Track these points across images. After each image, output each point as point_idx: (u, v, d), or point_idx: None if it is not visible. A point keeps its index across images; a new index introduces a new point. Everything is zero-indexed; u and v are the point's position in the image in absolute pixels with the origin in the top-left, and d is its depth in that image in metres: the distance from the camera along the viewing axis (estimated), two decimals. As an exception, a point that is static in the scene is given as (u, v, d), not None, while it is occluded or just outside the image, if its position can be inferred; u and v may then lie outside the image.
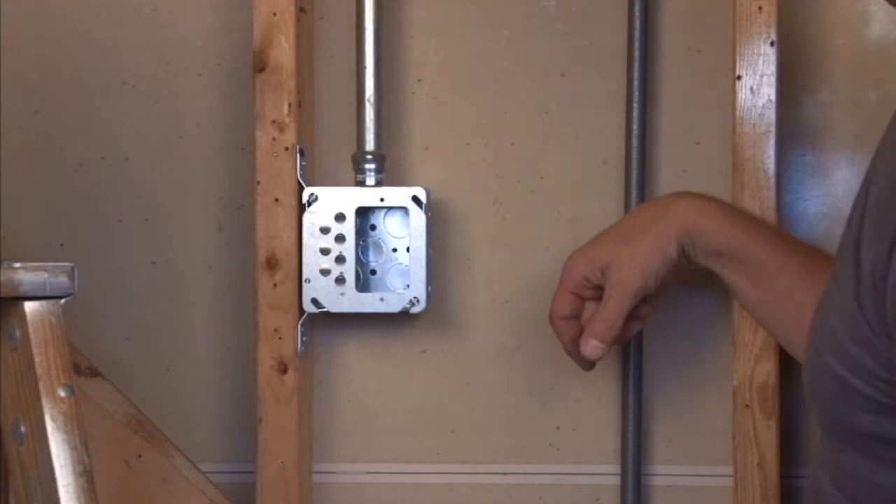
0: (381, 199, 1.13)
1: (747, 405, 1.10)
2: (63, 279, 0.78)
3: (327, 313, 1.14)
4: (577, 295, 1.06)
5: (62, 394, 0.77)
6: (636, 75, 1.15)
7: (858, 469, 0.75)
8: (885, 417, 0.72)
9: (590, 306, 1.06)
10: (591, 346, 1.05)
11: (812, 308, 0.93)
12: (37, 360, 0.77)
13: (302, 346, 1.13)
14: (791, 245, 1.03)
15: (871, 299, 0.70)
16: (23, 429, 0.77)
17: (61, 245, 1.20)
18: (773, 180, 1.09)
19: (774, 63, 1.09)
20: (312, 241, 1.13)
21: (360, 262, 1.15)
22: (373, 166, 1.14)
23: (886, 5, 0.83)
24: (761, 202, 1.09)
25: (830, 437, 0.77)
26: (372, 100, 1.14)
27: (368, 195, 1.13)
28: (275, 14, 1.11)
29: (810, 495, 0.82)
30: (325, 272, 1.13)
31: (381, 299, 1.13)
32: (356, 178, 1.15)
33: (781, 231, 1.07)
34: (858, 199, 0.74)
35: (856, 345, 0.72)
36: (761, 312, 1.04)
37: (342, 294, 1.13)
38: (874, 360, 0.71)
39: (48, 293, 0.78)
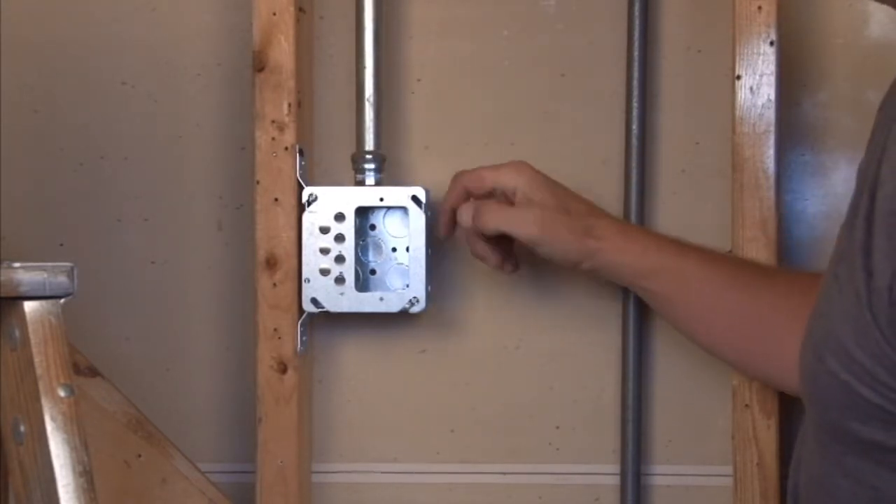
0: (381, 199, 1.13)
1: (747, 405, 1.10)
2: (62, 279, 0.78)
3: (327, 313, 1.14)
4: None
5: (62, 394, 0.77)
6: (636, 75, 1.15)
7: (860, 473, 0.75)
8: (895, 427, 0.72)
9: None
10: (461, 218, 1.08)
11: (747, 316, 1.01)
12: (36, 359, 0.77)
13: (301, 345, 1.13)
14: (714, 257, 1.06)
15: (887, 313, 0.69)
16: (22, 429, 0.77)
17: (61, 245, 1.20)
18: (772, 180, 1.09)
19: (774, 63, 1.09)
20: (312, 241, 1.13)
21: (360, 262, 1.15)
22: (372, 166, 1.14)
23: (886, 6, 0.83)
24: (761, 202, 1.09)
25: (830, 441, 0.77)
26: (371, 99, 1.14)
27: (368, 195, 1.13)
28: (274, 14, 1.11)
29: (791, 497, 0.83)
30: (324, 272, 1.13)
31: (381, 299, 1.13)
32: (356, 177, 1.15)
33: (700, 246, 1.08)
34: (858, 203, 0.74)
35: (867, 355, 0.71)
36: (685, 328, 1.07)
37: (342, 294, 1.13)
38: (887, 372, 0.70)
39: (48, 293, 0.78)
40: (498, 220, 1.05)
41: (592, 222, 1.06)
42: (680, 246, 1.06)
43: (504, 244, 1.10)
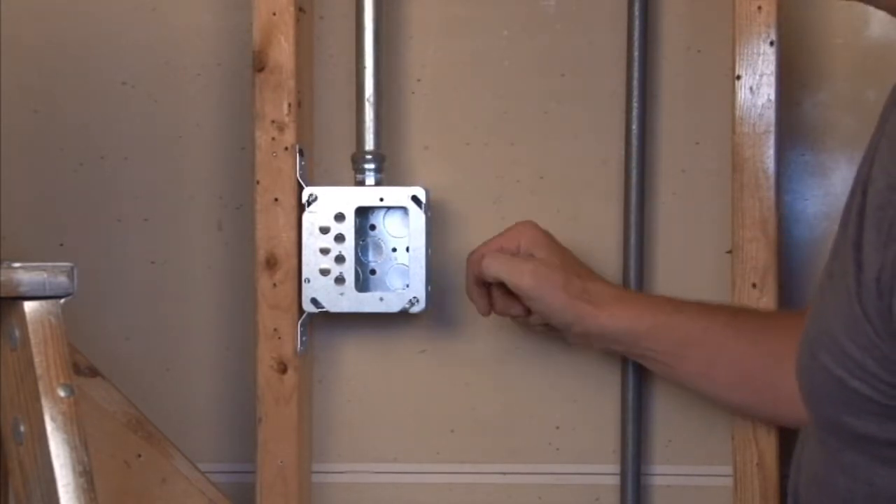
0: (381, 199, 1.13)
1: (747, 405, 1.10)
2: (62, 279, 0.78)
3: (327, 313, 1.14)
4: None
5: (62, 394, 0.77)
6: (636, 75, 1.15)
7: (856, 468, 0.75)
8: (889, 420, 0.72)
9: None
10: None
11: (750, 361, 1.02)
12: (36, 359, 0.77)
13: (301, 345, 1.13)
14: (709, 309, 1.07)
15: (876, 305, 0.70)
16: (22, 429, 0.77)
17: (61, 245, 1.20)
18: (772, 180, 1.09)
19: (774, 63, 1.09)
20: (312, 241, 1.13)
21: (360, 262, 1.15)
22: (372, 166, 1.14)
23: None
24: (761, 202, 1.09)
25: (828, 437, 0.77)
26: (371, 100, 1.14)
27: (368, 195, 1.13)
28: (274, 14, 1.11)
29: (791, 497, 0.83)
30: (324, 272, 1.13)
31: (381, 299, 1.13)
32: (356, 177, 1.15)
33: (695, 301, 1.09)
34: (852, 201, 0.75)
35: (858, 348, 0.72)
36: (691, 383, 1.08)
37: (342, 294, 1.13)
38: (878, 364, 0.71)
39: (48, 293, 0.78)
40: (498, 267, 1.07)
41: (590, 286, 1.07)
42: (675, 303, 1.08)
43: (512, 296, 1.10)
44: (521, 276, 1.06)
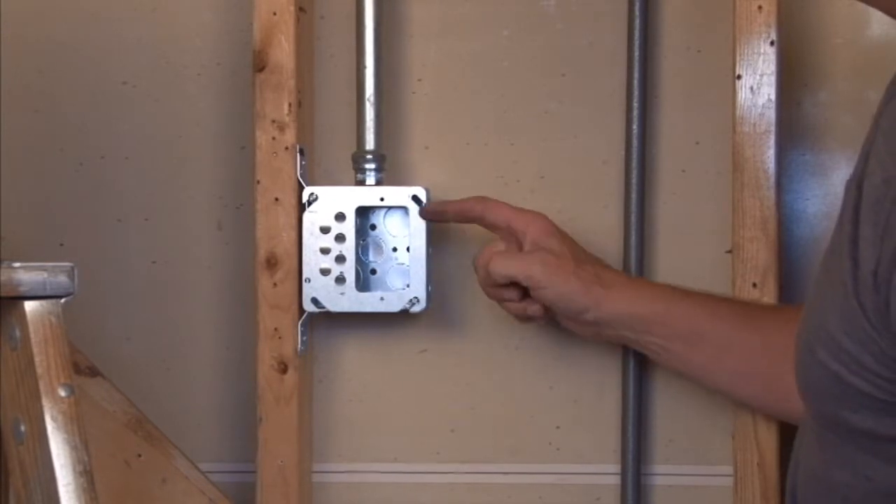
0: (381, 199, 1.13)
1: (747, 405, 1.10)
2: (63, 279, 0.78)
3: (327, 313, 1.14)
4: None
5: (62, 393, 0.77)
6: (636, 75, 1.15)
7: (854, 464, 0.75)
8: (887, 415, 0.72)
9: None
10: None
11: (759, 353, 1.01)
12: (37, 359, 0.77)
13: (302, 345, 1.13)
14: (719, 299, 1.07)
15: (873, 300, 0.70)
16: (23, 428, 0.77)
17: (61, 245, 1.20)
18: (772, 180, 1.09)
19: (774, 62, 1.09)
20: (312, 241, 1.13)
21: (360, 262, 1.15)
22: (373, 166, 1.14)
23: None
24: (761, 202, 1.09)
25: (826, 432, 0.78)
26: (372, 99, 1.15)
27: (368, 195, 1.13)
28: (275, 13, 1.11)
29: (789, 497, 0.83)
30: (325, 272, 1.13)
31: (381, 299, 1.13)
32: (356, 177, 1.15)
33: (698, 291, 1.09)
34: (848, 196, 0.75)
35: (855, 343, 0.72)
36: (700, 373, 1.07)
37: (342, 293, 1.13)
38: (875, 359, 0.71)
39: (48, 293, 0.78)
40: (506, 266, 1.06)
41: (601, 272, 1.07)
42: (686, 291, 1.07)
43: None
44: (530, 268, 1.05)
